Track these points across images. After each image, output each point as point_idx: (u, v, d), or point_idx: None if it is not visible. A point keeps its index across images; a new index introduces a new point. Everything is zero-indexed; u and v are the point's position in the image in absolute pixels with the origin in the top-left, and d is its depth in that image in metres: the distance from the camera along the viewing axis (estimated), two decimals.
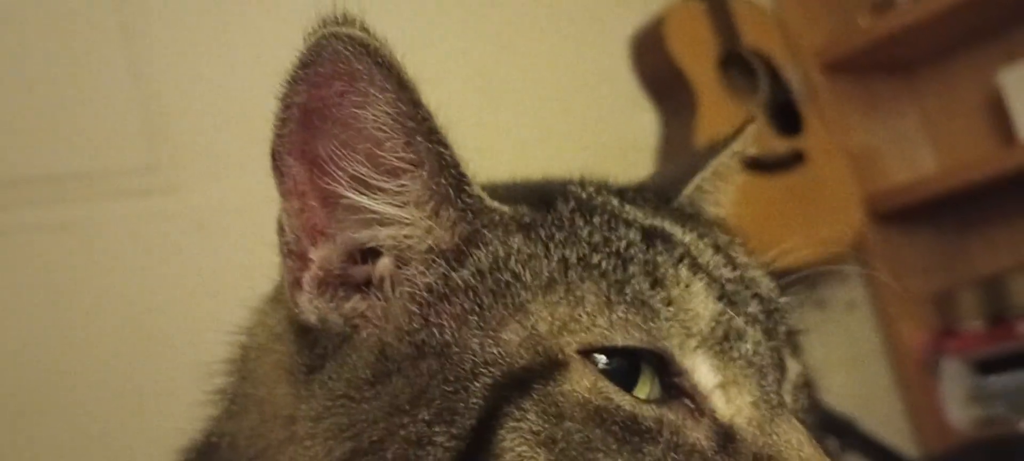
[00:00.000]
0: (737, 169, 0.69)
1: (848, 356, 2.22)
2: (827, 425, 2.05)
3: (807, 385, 0.62)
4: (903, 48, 2.25)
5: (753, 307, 0.56)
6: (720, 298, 0.54)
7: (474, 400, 0.50)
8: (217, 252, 1.48)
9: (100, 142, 1.48)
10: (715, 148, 0.69)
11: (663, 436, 0.50)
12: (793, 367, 0.61)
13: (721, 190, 0.69)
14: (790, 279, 0.61)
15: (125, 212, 1.48)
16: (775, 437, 0.51)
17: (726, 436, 0.51)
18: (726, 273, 0.56)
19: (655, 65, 2.10)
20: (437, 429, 0.50)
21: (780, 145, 2.11)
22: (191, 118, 1.57)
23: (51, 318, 1.36)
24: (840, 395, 2.10)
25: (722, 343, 0.53)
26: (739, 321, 0.54)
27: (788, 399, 0.58)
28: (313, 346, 0.55)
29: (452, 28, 1.89)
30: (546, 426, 0.50)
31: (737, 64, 2.12)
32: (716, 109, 2.05)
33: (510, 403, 0.50)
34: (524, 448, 0.49)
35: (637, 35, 2.12)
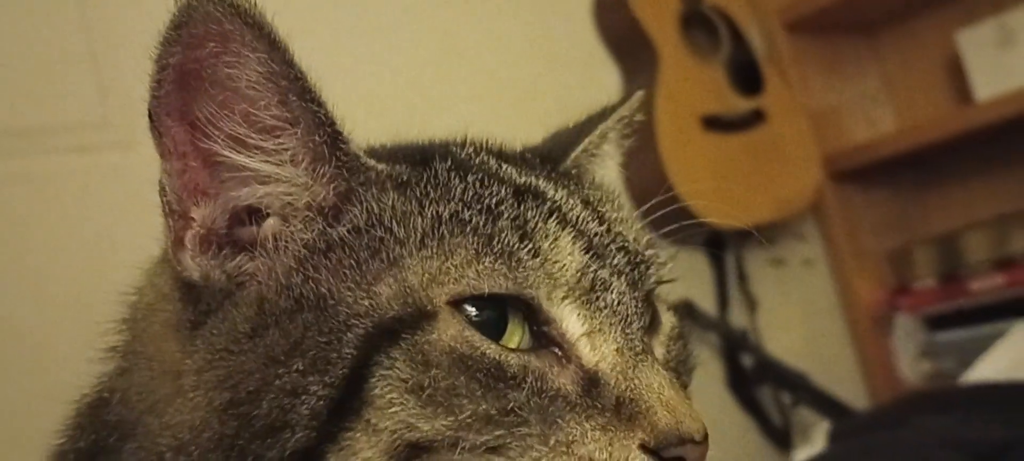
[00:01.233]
0: (624, 134, 0.71)
1: (804, 312, 2.25)
2: (780, 379, 2.09)
3: (681, 337, 0.64)
4: (864, 8, 2.25)
5: (619, 259, 0.58)
6: (587, 251, 0.56)
7: (347, 350, 0.52)
8: None
9: (52, 96, 1.48)
10: (604, 114, 0.71)
11: (528, 382, 0.52)
12: (668, 321, 0.63)
13: (609, 154, 0.71)
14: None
15: (77, 167, 1.48)
16: (636, 381, 0.54)
17: (590, 381, 0.54)
18: (594, 227, 0.58)
19: (617, 23, 2.09)
20: (311, 378, 0.52)
21: (741, 104, 2.12)
22: (145, 74, 1.56)
23: (1, 272, 1.37)
24: (795, 350, 2.14)
25: (588, 293, 0.55)
26: (604, 272, 0.56)
27: (659, 350, 0.61)
28: (197, 302, 0.57)
29: None
30: (414, 373, 0.52)
31: (699, 22, 2.12)
32: (678, 68, 2.05)
33: (380, 352, 0.52)
34: (393, 394, 0.51)
35: None
